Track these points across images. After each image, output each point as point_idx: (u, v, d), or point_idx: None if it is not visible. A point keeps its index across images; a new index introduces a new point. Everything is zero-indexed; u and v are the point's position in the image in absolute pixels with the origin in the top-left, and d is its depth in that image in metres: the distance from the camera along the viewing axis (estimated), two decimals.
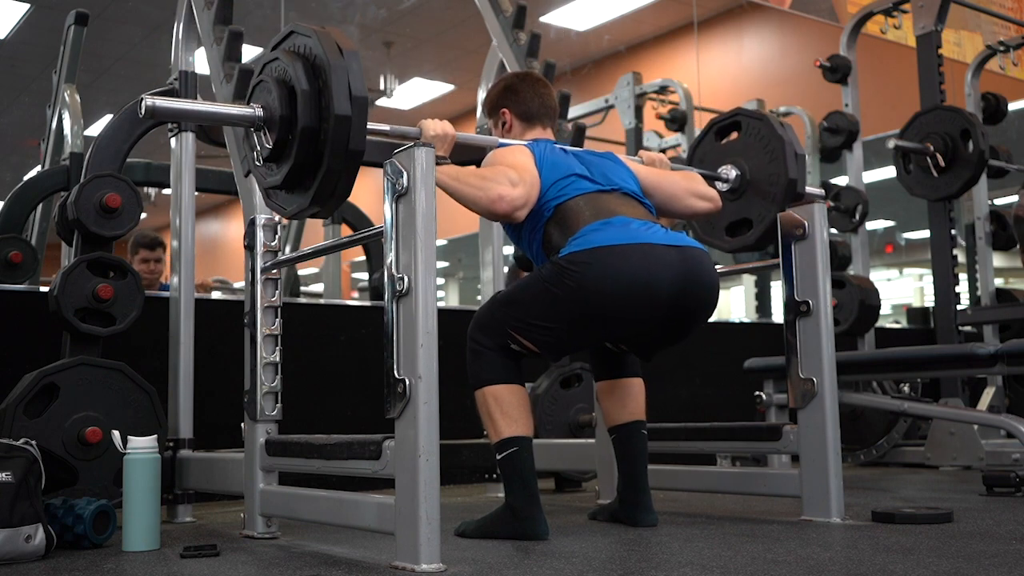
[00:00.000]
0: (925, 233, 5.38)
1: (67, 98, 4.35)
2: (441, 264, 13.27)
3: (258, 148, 2.01)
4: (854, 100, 5.20)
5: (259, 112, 1.99)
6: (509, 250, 3.97)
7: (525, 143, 2.47)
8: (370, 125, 1.98)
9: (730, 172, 2.85)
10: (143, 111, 1.92)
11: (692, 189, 2.59)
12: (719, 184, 2.83)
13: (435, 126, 2.38)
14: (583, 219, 2.30)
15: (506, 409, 2.26)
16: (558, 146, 2.49)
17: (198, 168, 3.00)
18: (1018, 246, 4.98)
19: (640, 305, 2.23)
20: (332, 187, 1.91)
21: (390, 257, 1.87)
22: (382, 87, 9.37)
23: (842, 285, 4.68)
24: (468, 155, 2.82)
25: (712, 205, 2.60)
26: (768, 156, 2.78)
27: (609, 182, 2.42)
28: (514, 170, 2.32)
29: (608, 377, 2.56)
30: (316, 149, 1.89)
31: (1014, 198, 4.98)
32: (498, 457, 2.26)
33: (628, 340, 2.42)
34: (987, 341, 4.79)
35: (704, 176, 2.74)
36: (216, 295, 5.83)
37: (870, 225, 5.26)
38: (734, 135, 2.92)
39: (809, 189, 2.84)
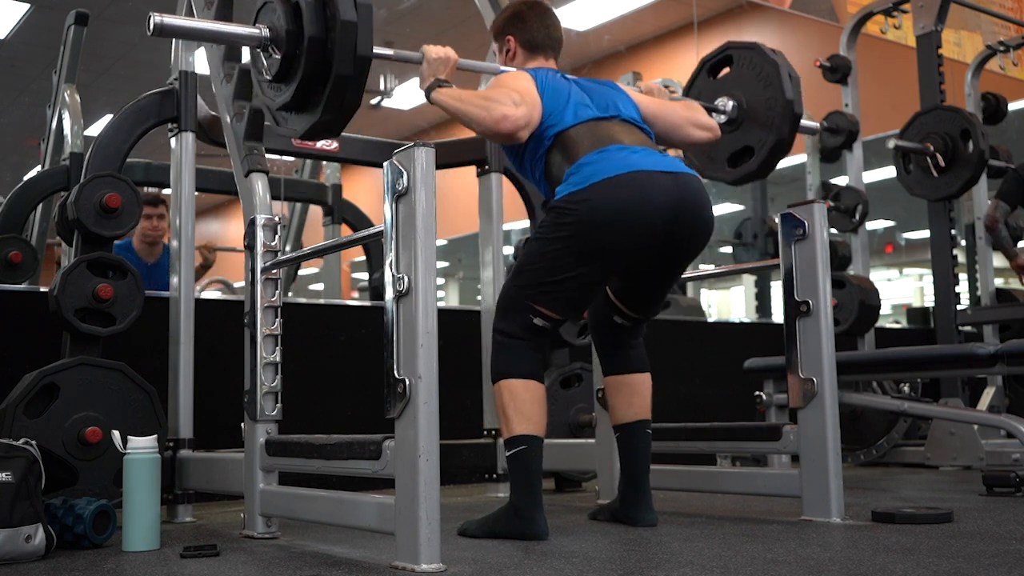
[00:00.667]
0: (925, 233, 5.37)
1: (67, 98, 4.35)
2: (441, 264, 13.26)
3: (265, 67, 2.03)
4: (854, 100, 5.19)
5: (265, 32, 2.01)
6: (509, 250, 3.97)
7: (527, 70, 2.49)
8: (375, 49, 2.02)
9: (727, 104, 2.86)
10: (151, 28, 1.97)
11: (692, 118, 2.61)
12: (716, 116, 2.82)
13: (437, 50, 2.44)
14: (581, 148, 2.32)
15: (520, 406, 2.26)
16: (559, 74, 2.51)
17: (198, 168, 3.00)
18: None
19: (637, 232, 2.25)
20: (342, 95, 1.93)
21: (390, 257, 1.87)
22: (382, 87, 9.38)
23: (842, 285, 4.67)
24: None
25: (711, 135, 2.61)
26: (763, 83, 2.78)
27: (608, 109, 2.44)
28: (516, 92, 2.35)
29: (616, 372, 2.55)
30: (324, 59, 1.92)
31: None
32: (507, 454, 2.27)
33: (628, 276, 2.43)
34: (987, 341, 4.79)
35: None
36: (216, 295, 5.83)
37: (870, 225, 5.26)
38: (726, 70, 2.92)
39: (804, 121, 2.83)
